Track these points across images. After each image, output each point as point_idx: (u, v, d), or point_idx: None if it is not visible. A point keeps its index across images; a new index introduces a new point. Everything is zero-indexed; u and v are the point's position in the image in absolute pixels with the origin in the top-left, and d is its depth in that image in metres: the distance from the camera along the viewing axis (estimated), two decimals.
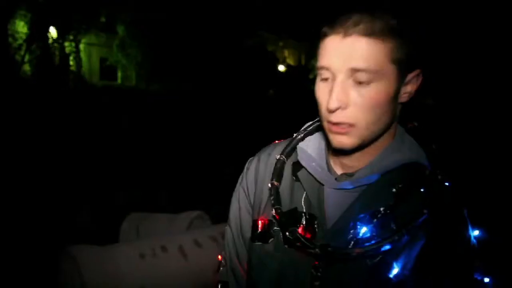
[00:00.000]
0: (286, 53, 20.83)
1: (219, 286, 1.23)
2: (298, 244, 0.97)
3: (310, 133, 1.12)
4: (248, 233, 1.14)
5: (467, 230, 0.97)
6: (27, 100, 10.84)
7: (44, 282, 3.95)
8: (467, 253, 0.97)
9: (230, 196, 1.26)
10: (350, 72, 0.89)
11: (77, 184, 6.99)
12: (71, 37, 15.21)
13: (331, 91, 0.90)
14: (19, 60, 14.40)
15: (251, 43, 18.00)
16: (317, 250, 0.94)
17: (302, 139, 1.11)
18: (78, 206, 6.12)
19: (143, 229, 5.09)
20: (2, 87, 11.10)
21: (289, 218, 1.02)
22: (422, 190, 0.96)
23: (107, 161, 8.43)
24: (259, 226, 1.09)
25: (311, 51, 19.60)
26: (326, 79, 0.93)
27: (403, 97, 0.96)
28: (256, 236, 1.10)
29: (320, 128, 1.07)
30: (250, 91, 16.09)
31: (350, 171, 1.02)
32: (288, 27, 19.80)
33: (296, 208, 1.04)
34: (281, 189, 1.07)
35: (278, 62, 20.34)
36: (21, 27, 15.14)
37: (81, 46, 16.76)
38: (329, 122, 0.94)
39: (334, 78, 0.90)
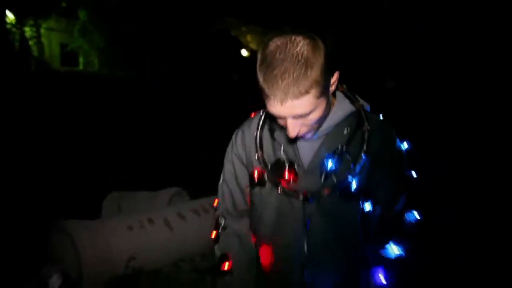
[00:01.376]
0: (248, 38, 20.98)
1: (219, 258, 1.57)
2: (287, 185, 1.35)
3: None
4: (244, 183, 1.52)
5: (397, 143, 1.39)
6: None
7: (38, 255, 4.12)
8: (400, 158, 1.39)
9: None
10: (294, 117, 1.22)
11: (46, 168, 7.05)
12: (31, 22, 14.85)
13: (286, 125, 1.26)
14: None
15: (215, 28, 18.09)
16: (300, 196, 1.34)
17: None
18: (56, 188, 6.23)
19: (125, 206, 5.28)
20: None
21: (275, 166, 1.39)
22: (362, 128, 1.35)
23: (75, 146, 8.45)
24: (255, 175, 1.44)
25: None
26: (278, 119, 1.27)
27: (331, 90, 1.30)
28: (254, 183, 1.43)
29: None
30: (215, 76, 16.23)
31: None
32: (250, 12, 19.96)
33: (279, 159, 1.39)
34: (264, 150, 1.43)
35: (242, 47, 20.51)
36: None
37: (41, 31, 16.39)
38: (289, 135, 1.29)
39: (285, 121, 1.25)
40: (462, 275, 3.55)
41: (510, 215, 4.59)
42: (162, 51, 16.79)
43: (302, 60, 1.13)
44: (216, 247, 1.58)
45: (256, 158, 1.43)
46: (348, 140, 1.34)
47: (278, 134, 1.41)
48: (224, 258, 1.53)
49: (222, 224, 1.58)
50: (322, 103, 1.23)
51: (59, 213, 4.64)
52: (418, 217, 1.38)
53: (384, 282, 1.32)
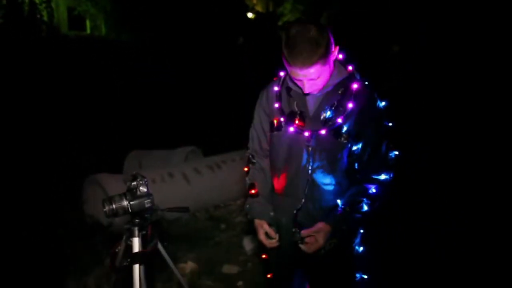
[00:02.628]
0: (254, 0, 20.99)
1: (249, 185, 2.13)
2: (297, 127, 1.90)
3: None
4: (267, 128, 2.07)
5: (378, 102, 1.90)
6: None
7: (72, 206, 4.68)
8: (380, 112, 1.90)
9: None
10: (309, 79, 1.76)
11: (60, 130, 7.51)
12: None
13: (302, 85, 1.81)
14: None
15: None
16: (306, 134, 1.88)
17: (287, 74, 1.94)
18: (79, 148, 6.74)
19: (145, 163, 5.80)
20: None
21: (290, 115, 1.93)
22: (352, 88, 1.87)
23: (91, 110, 8.86)
24: (275, 122, 1.99)
25: None
26: (299, 80, 1.81)
27: (333, 59, 1.82)
28: (274, 128, 1.99)
29: None
30: (220, 39, 16.39)
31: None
32: None
33: (292, 110, 1.95)
34: (282, 103, 1.98)
35: (247, 9, 20.54)
36: None
37: None
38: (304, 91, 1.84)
39: (303, 82, 1.79)
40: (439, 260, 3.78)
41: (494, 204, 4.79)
42: (168, 13, 16.89)
43: (313, 42, 1.67)
44: (247, 178, 2.15)
45: (276, 107, 1.97)
46: (341, 97, 1.87)
47: (293, 92, 1.94)
48: (252, 186, 2.10)
49: (252, 160, 2.15)
50: (327, 70, 1.78)
51: (87, 168, 5.13)
52: (397, 153, 1.94)
53: (373, 190, 1.87)
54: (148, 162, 5.78)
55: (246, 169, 2.18)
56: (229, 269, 3.75)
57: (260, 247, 2.17)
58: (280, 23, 19.69)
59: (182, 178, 4.97)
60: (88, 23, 19.46)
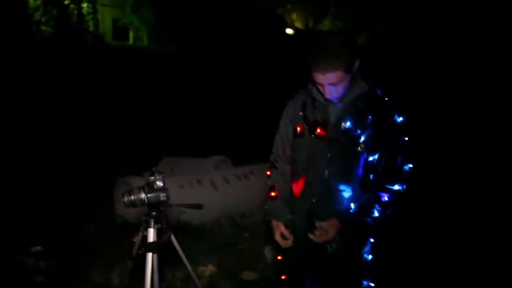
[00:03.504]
0: (294, 16, 21.19)
1: (270, 188, 2.28)
2: (318, 135, 2.02)
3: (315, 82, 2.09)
4: (290, 135, 2.19)
5: (396, 116, 2.00)
6: (46, 59, 11.37)
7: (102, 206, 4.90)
8: (397, 127, 2.00)
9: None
10: (331, 84, 1.90)
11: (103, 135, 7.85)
12: None
13: (323, 90, 1.96)
14: (38, 20, 14.80)
15: (262, 5, 18.42)
16: (325, 140, 2.00)
17: (313, 86, 2.09)
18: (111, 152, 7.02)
19: (176, 169, 5.96)
20: (20, 46, 11.55)
21: (313, 124, 2.05)
22: (372, 101, 2.00)
23: (130, 117, 9.19)
24: (298, 129, 2.12)
25: (319, 14, 19.91)
26: (319, 84, 1.96)
27: (354, 71, 1.95)
28: (297, 135, 2.12)
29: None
30: (262, 53, 16.61)
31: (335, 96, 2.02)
32: None
33: (315, 119, 2.07)
34: (307, 112, 2.11)
35: (287, 25, 20.75)
36: None
37: (96, 7, 17.19)
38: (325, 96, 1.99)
39: (323, 86, 1.93)
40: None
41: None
42: (208, 27, 17.27)
43: (336, 49, 1.83)
44: (268, 180, 2.29)
45: (300, 115, 2.12)
46: (361, 110, 1.99)
47: (317, 102, 2.08)
48: (272, 188, 2.25)
49: (275, 164, 2.29)
50: (347, 77, 1.91)
51: (121, 170, 5.36)
52: (411, 166, 2.03)
53: (386, 198, 1.98)
54: (180, 169, 5.94)
55: (268, 172, 2.33)
56: (248, 275, 3.83)
57: (276, 248, 2.29)
58: None
59: (210, 185, 5.10)
60: (131, 34, 20.15)
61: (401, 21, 16.40)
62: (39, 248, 1.53)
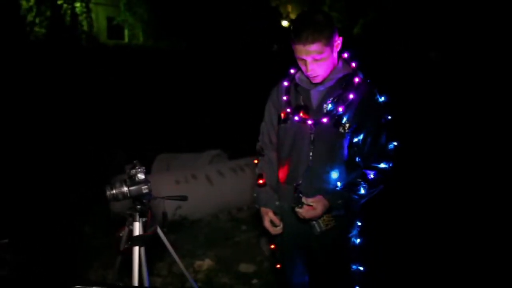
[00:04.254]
0: (289, 8, 21.16)
1: (257, 176, 2.30)
2: (301, 119, 2.03)
3: (300, 69, 2.10)
4: (275, 122, 2.20)
5: (378, 96, 2.02)
6: (40, 59, 11.35)
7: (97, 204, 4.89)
8: (379, 105, 2.02)
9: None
10: (312, 58, 1.90)
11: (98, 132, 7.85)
12: None
13: (306, 66, 1.94)
14: (31, 21, 14.72)
15: None
16: (310, 122, 2.00)
17: (296, 73, 2.15)
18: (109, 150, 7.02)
19: (173, 166, 5.95)
20: (14, 48, 11.51)
21: (296, 108, 2.06)
22: (354, 82, 2.01)
23: (124, 114, 9.19)
24: (282, 115, 2.13)
25: (314, 5, 19.84)
26: (301, 60, 1.95)
27: (336, 49, 1.98)
28: (281, 121, 2.13)
29: None
30: (255, 46, 16.58)
31: (320, 81, 2.04)
32: None
33: (298, 104, 2.08)
34: (290, 97, 2.13)
35: (282, 17, 20.72)
36: None
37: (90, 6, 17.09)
38: (307, 73, 1.98)
39: (305, 61, 1.93)
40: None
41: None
42: (202, 23, 17.22)
43: (317, 22, 1.86)
44: (256, 168, 2.30)
45: (284, 100, 2.14)
46: (343, 91, 2.01)
47: (300, 87, 2.09)
48: (260, 176, 2.26)
49: (261, 152, 2.31)
50: (329, 54, 1.92)
51: (117, 169, 5.35)
52: (396, 144, 2.04)
53: (372, 176, 1.98)
54: (176, 165, 5.93)
55: (256, 161, 2.33)
56: (245, 268, 3.83)
57: (268, 237, 2.28)
58: None
59: (205, 179, 5.09)
60: (126, 32, 20.09)
61: (394, 11, 16.38)
62: (5, 241, 1.51)
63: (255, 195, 2.28)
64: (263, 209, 2.24)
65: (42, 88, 9.52)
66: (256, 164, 2.32)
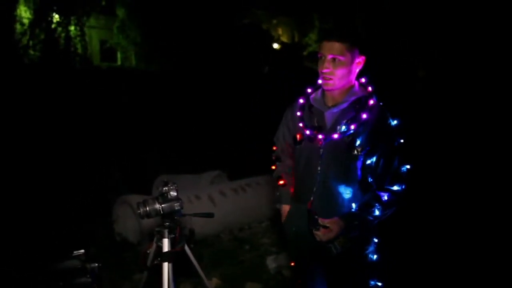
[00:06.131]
0: (280, 31, 21.48)
1: (276, 178, 2.42)
2: (315, 140, 2.12)
3: (316, 89, 2.25)
4: (290, 140, 2.31)
5: (390, 120, 2.09)
6: (34, 82, 11.38)
7: (103, 223, 4.92)
8: (392, 129, 2.08)
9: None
10: (331, 56, 2.02)
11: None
12: (75, 21, 15.72)
13: (323, 63, 2.05)
14: (25, 44, 14.80)
15: (246, 21, 18.66)
16: (321, 138, 2.09)
17: (311, 93, 2.25)
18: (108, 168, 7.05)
19: None
20: (8, 72, 11.53)
21: (310, 129, 2.15)
22: (366, 107, 2.08)
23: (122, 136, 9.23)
24: (298, 137, 2.21)
25: (304, 28, 20.20)
26: (321, 57, 2.07)
27: (356, 67, 2.08)
28: (297, 142, 2.21)
29: (318, 88, 2.23)
30: (247, 69, 16.78)
31: (334, 103, 2.14)
32: (280, 3, 20.38)
33: (312, 124, 2.16)
34: (304, 118, 2.21)
35: (273, 40, 21.02)
36: (24, 12, 15.66)
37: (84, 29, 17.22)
38: (322, 74, 2.06)
39: (324, 58, 2.04)
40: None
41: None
42: (194, 45, 17.40)
43: (348, 30, 2.08)
44: (274, 173, 2.44)
45: (298, 115, 2.23)
46: (356, 113, 2.07)
47: (314, 109, 2.18)
48: (279, 178, 2.39)
49: (279, 159, 2.44)
50: (348, 61, 2.02)
51: (120, 190, 5.39)
52: (408, 167, 2.09)
53: (385, 198, 2.03)
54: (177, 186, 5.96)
55: (273, 167, 2.46)
56: (252, 286, 3.86)
57: (289, 255, 2.35)
58: (305, 53, 20.15)
59: (208, 200, 5.14)
60: (119, 54, 20.24)
61: (381, 29, 16.69)
62: (82, 251, 1.57)
63: (277, 193, 2.40)
64: (284, 207, 2.34)
65: (37, 109, 9.53)
66: (275, 169, 2.45)
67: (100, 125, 9.49)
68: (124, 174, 6.75)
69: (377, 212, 2.01)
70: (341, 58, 2.00)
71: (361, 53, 2.07)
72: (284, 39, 21.16)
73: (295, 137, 2.24)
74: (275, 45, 21.10)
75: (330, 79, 2.05)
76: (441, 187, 5.77)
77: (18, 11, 15.13)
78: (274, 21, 20.85)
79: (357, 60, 2.06)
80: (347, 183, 2.08)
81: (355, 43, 2.02)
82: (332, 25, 19.97)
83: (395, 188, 2.05)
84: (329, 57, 2.01)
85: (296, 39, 21.57)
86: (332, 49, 2.00)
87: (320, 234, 1.98)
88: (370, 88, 2.15)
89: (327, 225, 1.98)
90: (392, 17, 15.91)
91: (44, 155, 7.46)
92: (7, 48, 13.58)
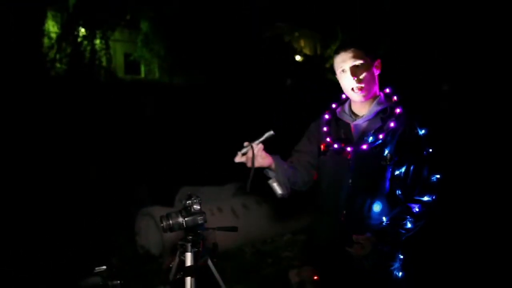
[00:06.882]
0: (302, 43, 21.44)
1: None
2: (342, 152, 2.09)
3: (341, 104, 2.24)
4: (310, 152, 2.27)
5: (418, 129, 2.03)
6: (61, 95, 11.61)
7: (126, 235, 4.92)
8: (420, 138, 2.03)
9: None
10: (351, 64, 2.02)
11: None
12: (101, 35, 16.03)
13: (347, 78, 2.04)
14: (52, 58, 15.13)
15: (268, 34, 18.69)
16: (349, 149, 2.06)
17: (338, 107, 2.23)
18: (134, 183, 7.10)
19: None
20: (36, 84, 11.79)
21: (336, 141, 2.13)
22: (393, 116, 2.05)
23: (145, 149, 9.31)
24: (322, 147, 2.19)
25: (327, 41, 20.12)
26: (341, 73, 2.07)
27: (376, 70, 2.08)
28: (321, 152, 2.19)
29: (343, 102, 2.23)
30: (270, 82, 16.79)
31: (361, 114, 2.13)
32: (302, 16, 20.37)
33: (339, 136, 2.15)
34: (331, 131, 2.19)
35: (295, 52, 20.97)
36: (52, 27, 16.08)
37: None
38: (353, 90, 2.05)
39: (346, 70, 2.04)
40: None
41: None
42: (217, 58, 17.54)
43: (356, 37, 2.26)
44: None
45: (324, 131, 2.21)
46: (383, 123, 2.05)
47: (341, 122, 2.17)
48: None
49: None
50: (369, 65, 2.03)
51: (143, 202, 5.41)
52: (438, 176, 2.03)
53: (416, 209, 1.97)
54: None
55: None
56: None
57: (314, 269, 2.31)
58: (327, 65, 20.05)
59: (231, 212, 5.12)
60: (142, 67, 20.53)
61: (407, 41, 16.52)
62: (103, 267, 1.56)
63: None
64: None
65: (63, 122, 9.69)
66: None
67: (124, 138, 9.60)
68: (147, 186, 6.76)
69: (409, 225, 1.95)
70: (360, 62, 2.01)
71: (376, 56, 2.09)
72: (306, 51, 21.09)
73: (319, 148, 2.21)
74: (298, 57, 21.05)
75: (363, 87, 2.03)
76: (472, 199, 5.62)
77: (46, 25, 15.54)
78: (296, 34, 20.80)
79: (375, 63, 2.08)
80: (377, 196, 2.03)
81: (368, 47, 2.05)
82: (356, 35, 19.92)
83: (426, 198, 2.00)
84: (351, 65, 2.01)
85: (319, 51, 21.50)
86: (347, 59, 2.02)
87: (354, 251, 1.92)
88: (395, 98, 2.12)
89: (361, 241, 1.91)
90: (419, 29, 15.77)
91: (69, 168, 7.57)
92: (36, 61, 13.91)
